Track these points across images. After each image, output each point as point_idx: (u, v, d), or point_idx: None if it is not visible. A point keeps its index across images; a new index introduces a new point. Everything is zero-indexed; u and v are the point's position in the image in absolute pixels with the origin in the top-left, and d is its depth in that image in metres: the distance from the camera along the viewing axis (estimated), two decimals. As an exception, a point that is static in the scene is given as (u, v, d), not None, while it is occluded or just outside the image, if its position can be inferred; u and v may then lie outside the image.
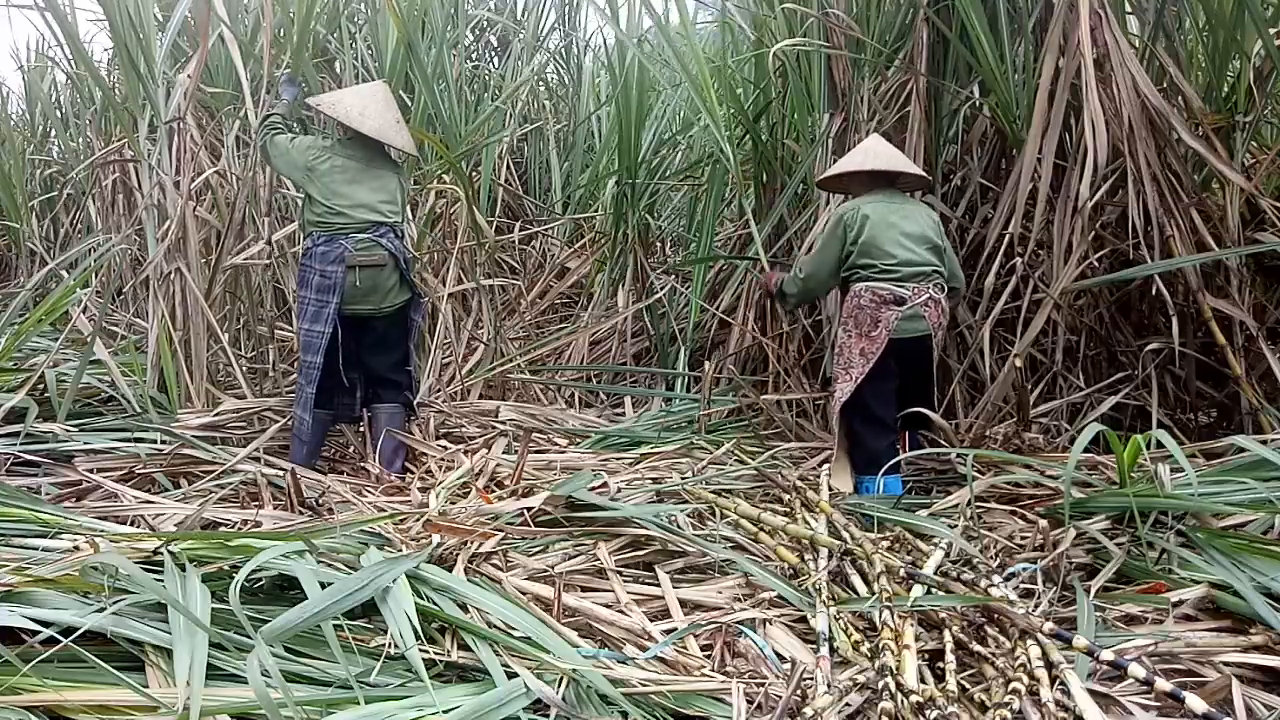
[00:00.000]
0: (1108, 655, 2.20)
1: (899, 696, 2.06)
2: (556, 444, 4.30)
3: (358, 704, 1.93)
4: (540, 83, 7.15)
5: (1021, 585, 2.65)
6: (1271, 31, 3.87)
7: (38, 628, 1.90)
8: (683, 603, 2.62)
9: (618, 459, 4.02)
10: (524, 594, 2.53)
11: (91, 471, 3.49)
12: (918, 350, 3.56)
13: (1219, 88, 4.16)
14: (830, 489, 3.33)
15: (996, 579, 2.60)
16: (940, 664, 2.29)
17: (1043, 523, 2.97)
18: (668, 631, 2.43)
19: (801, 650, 2.38)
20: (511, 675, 2.07)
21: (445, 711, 1.94)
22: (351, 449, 4.25)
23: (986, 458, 3.50)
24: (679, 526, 3.02)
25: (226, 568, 2.27)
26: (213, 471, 3.62)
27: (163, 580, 2.13)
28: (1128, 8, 4.19)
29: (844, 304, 3.67)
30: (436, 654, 2.16)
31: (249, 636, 1.99)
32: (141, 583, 2.07)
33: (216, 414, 4.10)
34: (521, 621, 2.29)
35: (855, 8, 4.39)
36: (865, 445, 3.58)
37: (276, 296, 5.35)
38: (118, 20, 4.28)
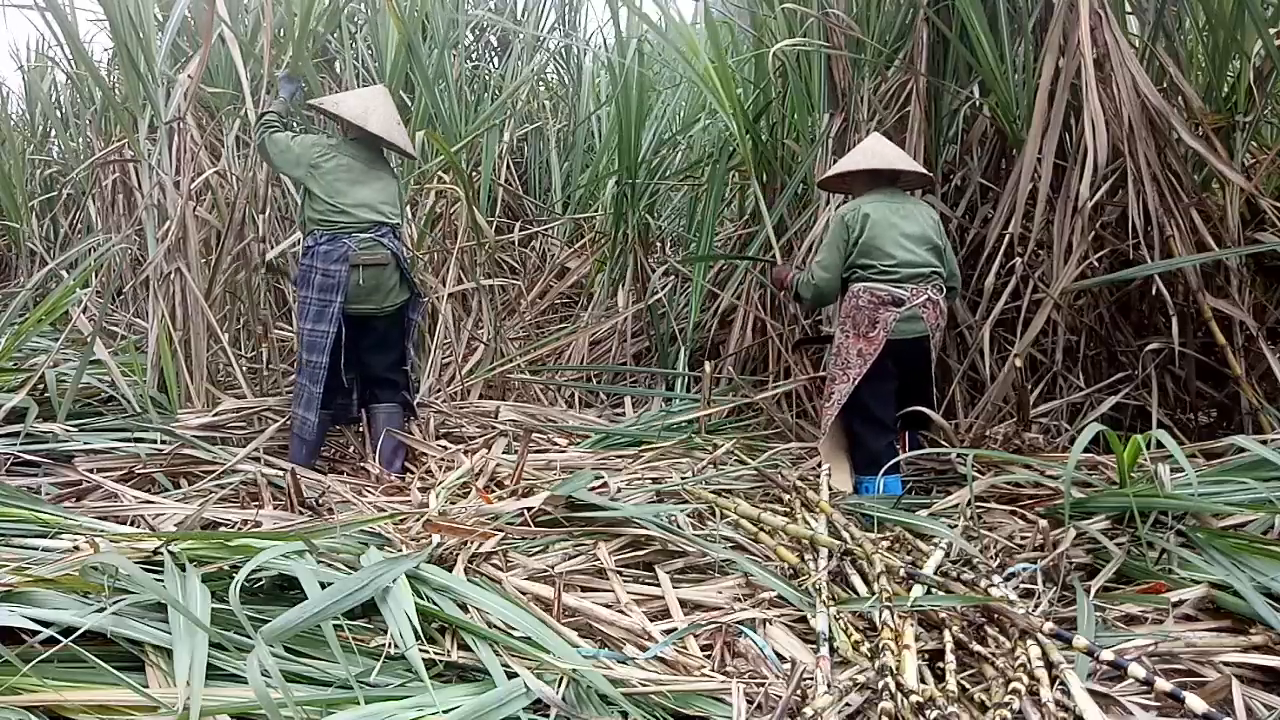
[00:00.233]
0: (1108, 655, 2.20)
1: (899, 696, 2.06)
2: (556, 444, 4.30)
3: (358, 704, 1.93)
4: (540, 83, 7.15)
5: (1021, 585, 2.65)
6: (1271, 31, 3.87)
7: (38, 628, 1.90)
8: (683, 603, 2.62)
9: (618, 459, 4.02)
10: (524, 594, 2.53)
11: (91, 471, 3.49)
12: (915, 351, 3.56)
13: (1219, 88, 4.16)
14: (830, 489, 3.33)
15: (996, 579, 2.60)
16: (940, 664, 2.29)
17: (1043, 523, 2.97)
18: (668, 631, 2.43)
19: (801, 650, 2.38)
20: (511, 675, 2.07)
21: (445, 711, 1.94)
22: (351, 449, 4.25)
23: (986, 458, 3.51)
24: (679, 526, 3.02)
25: (226, 568, 2.27)
26: (213, 471, 3.62)
27: (163, 580, 2.13)
28: (1128, 8, 4.19)
29: (842, 304, 3.67)
30: (436, 654, 2.16)
31: (249, 636, 1.99)
32: (141, 583, 2.07)
33: (216, 414, 4.10)
34: (521, 621, 2.29)
35: (855, 8, 4.39)
36: (865, 446, 3.58)
37: (276, 297, 5.35)
38: (118, 20, 4.28)
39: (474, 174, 5.80)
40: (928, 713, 2.03)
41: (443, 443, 4.22)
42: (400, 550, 2.66)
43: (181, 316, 4.28)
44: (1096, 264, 3.94)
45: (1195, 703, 2.02)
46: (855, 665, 2.31)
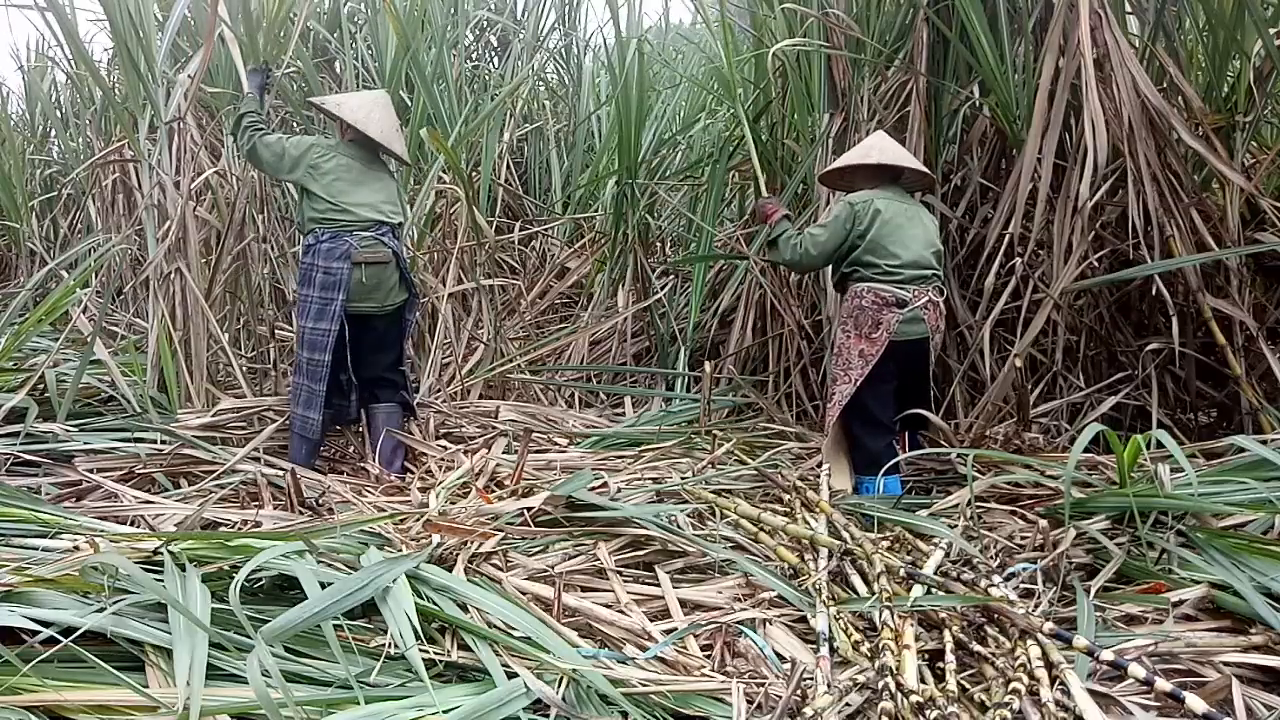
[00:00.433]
0: (1108, 655, 2.20)
1: (899, 696, 2.06)
2: (556, 444, 4.30)
3: (358, 704, 1.93)
4: (540, 83, 7.15)
5: (1021, 585, 2.65)
6: (1271, 31, 3.87)
7: (38, 628, 1.90)
8: (683, 603, 2.62)
9: (618, 459, 4.02)
10: (524, 594, 2.53)
11: (91, 471, 3.49)
12: (916, 352, 3.56)
13: (1219, 88, 4.17)
14: (830, 489, 3.33)
15: (996, 579, 2.60)
16: (940, 664, 2.29)
17: (1043, 523, 2.97)
18: (668, 631, 2.43)
19: (801, 650, 2.38)
20: (511, 675, 2.07)
21: (445, 711, 1.94)
22: (351, 449, 4.25)
23: (986, 458, 3.50)
24: (679, 526, 3.02)
25: (226, 568, 2.27)
26: (213, 471, 3.62)
27: (163, 580, 2.13)
28: (1128, 8, 4.19)
29: (844, 304, 3.67)
30: (436, 654, 2.16)
31: (249, 636, 1.99)
32: (141, 583, 2.07)
33: (216, 414, 4.10)
34: (521, 621, 2.29)
35: (855, 8, 4.39)
36: (865, 446, 3.58)
37: (276, 296, 5.35)
38: (118, 20, 4.28)
39: (474, 174, 5.80)
40: (928, 713, 2.03)
41: (442, 443, 4.22)
42: (400, 550, 2.66)
43: (181, 316, 4.28)
44: (1096, 264, 3.94)
45: (1195, 703, 2.02)
46: (855, 665, 2.31)
